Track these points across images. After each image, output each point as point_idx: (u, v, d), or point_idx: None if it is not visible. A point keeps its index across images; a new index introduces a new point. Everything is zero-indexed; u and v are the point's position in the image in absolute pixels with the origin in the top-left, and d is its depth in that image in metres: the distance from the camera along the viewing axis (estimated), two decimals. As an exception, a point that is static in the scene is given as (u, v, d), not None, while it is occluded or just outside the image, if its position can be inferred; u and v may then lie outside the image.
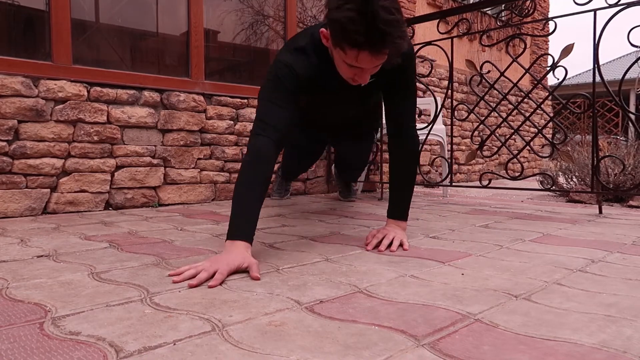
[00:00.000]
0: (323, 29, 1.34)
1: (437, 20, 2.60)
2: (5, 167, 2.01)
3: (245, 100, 2.82)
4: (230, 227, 1.23)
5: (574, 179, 3.32)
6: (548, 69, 2.24)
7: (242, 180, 1.30)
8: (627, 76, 2.16)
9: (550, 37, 7.54)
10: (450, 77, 2.61)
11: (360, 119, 2.10)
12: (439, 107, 2.80)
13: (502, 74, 2.45)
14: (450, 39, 2.61)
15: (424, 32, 4.17)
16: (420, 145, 1.78)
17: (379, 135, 2.97)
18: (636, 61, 1.98)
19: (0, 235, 1.61)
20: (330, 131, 2.22)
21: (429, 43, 2.66)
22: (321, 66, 1.46)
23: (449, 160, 2.74)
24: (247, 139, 2.56)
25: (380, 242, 1.44)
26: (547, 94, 5.86)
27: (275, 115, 1.38)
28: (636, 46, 1.94)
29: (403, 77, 1.56)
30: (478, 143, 2.61)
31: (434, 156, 4.29)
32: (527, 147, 2.48)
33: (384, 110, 1.69)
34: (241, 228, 1.21)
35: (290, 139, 2.04)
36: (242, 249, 1.17)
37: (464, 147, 4.84)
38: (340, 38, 1.21)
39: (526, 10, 4.59)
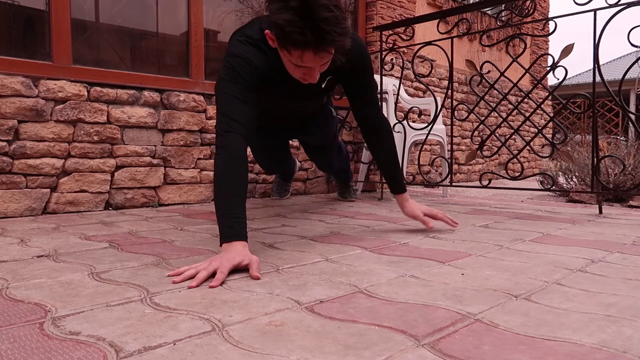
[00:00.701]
0: (268, 31, 1.33)
1: (437, 20, 2.60)
2: (5, 167, 2.01)
3: (245, 100, 2.82)
4: (223, 230, 1.22)
5: (574, 179, 3.32)
6: (548, 69, 2.24)
7: (221, 181, 1.30)
8: (627, 76, 2.16)
9: (550, 37, 7.54)
10: (450, 77, 2.61)
11: (317, 111, 2.11)
12: (439, 107, 2.80)
13: (502, 74, 2.45)
14: (450, 39, 2.61)
15: (424, 32, 4.17)
16: (420, 145, 1.80)
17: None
18: (636, 61, 1.98)
19: (0, 235, 1.61)
20: (289, 126, 2.20)
21: (429, 43, 2.66)
22: (275, 62, 1.44)
23: (449, 160, 2.74)
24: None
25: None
26: (547, 94, 5.86)
27: (240, 110, 1.38)
28: (636, 46, 1.94)
29: (361, 77, 1.63)
30: (478, 143, 2.62)
31: (434, 156, 4.29)
32: (527, 147, 2.48)
33: (349, 104, 1.76)
34: (235, 228, 1.21)
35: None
36: (240, 247, 1.17)
37: (464, 147, 4.84)
38: (283, 40, 1.24)
39: (526, 10, 4.58)
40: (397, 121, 2.79)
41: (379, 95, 2.86)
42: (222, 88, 1.42)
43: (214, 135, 2.69)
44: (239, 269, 1.12)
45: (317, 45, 1.21)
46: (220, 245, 1.21)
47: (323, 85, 1.61)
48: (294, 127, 2.22)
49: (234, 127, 1.34)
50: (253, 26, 1.51)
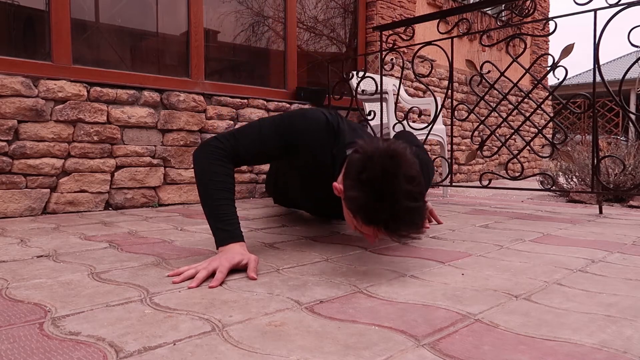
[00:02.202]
0: (336, 184, 1.19)
1: (437, 20, 2.60)
2: (5, 167, 2.01)
3: (245, 100, 2.82)
4: (218, 233, 1.20)
5: (574, 179, 3.32)
6: (548, 69, 2.23)
7: (207, 182, 1.23)
8: (627, 76, 2.16)
9: (550, 37, 7.53)
10: (450, 77, 2.61)
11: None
12: (439, 107, 2.80)
13: (502, 74, 2.45)
14: (450, 39, 2.61)
15: (424, 32, 4.17)
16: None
17: (379, 135, 2.97)
18: (636, 61, 1.98)
19: (0, 236, 1.61)
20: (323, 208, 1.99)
21: (429, 43, 2.65)
22: (327, 173, 1.36)
23: (449, 160, 2.74)
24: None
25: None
26: (547, 94, 5.86)
27: (252, 154, 1.33)
28: (636, 46, 1.94)
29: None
30: (478, 143, 2.61)
31: (434, 156, 4.29)
32: (527, 147, 2.48)
33: None
34: (230, 230, 1.20)
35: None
36: (238, 247, 1.17)
37: (464, 147, 4.84)
38: (355, 212, 1.10)
39: (526, 10, 4.58)
40: (397, 121, 2.79)
41: (378, 96, 2.86)
42: (264, 126, 1.35)
43: (214, 135, 2.70)
44: (239, 269, 1.12)
45: (392, 230, 1.09)
46: (217, 249, 1.20)
47: None
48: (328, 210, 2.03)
49: (232, 153, 1.28)
50: (343, 131, 1.37)
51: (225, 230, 1.20)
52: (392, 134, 2.65)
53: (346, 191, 1.12)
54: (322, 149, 1.37)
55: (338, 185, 1.19)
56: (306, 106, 3.14)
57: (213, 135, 2.62)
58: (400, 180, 1.03)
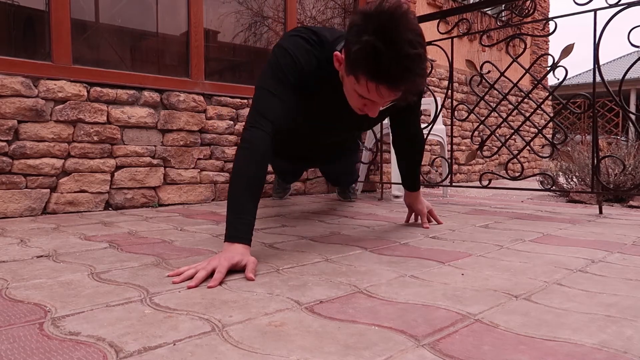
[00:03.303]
0: (337, 52, 1.24)
1: (437, 20, 2.60)
2: (5, 167, 2.01)
3: (245, 101, 2.82)
4: (229, 228, 1.20)
5: (574, 179, 3.32)
6: (548, 69, 2.23)
7: (237, 178, 1.24)
8: (628, 76, 2.16)
9: (550, 37, 7.53)
10: (450, 77, 2.61)
11: (346, 141, 2.01)
12: (439, 107, 2.80)
13: (502, 74, 2.45)
14: (450, 39, 2.61)
15: (424, 32, 4.17)
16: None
17: (379, 135, 2.97)
18: (636, 61, 1.98)
19: (0, 236, 1.61)
20: (312, 156, 2.07)
21: (429, 43, 2.63)
22: (326, 77, 1.37)
23: (449, 160, 2.74)
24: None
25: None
26: (547, 94, 5.86)
27: (275, 109, 1.30)
28: (636, 46, 1.94)
29: (411, 105, 1.52)
30: (478, 143, 2.61)
31: (434, 156, 4.29)
32: (527, 147, 2.48)
33: (389, 119, 1.70)
34: (239, 230, 1.19)
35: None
36: (241, 248, 1.17)
37: (464, 147, 4.84)
38: (358, 66, 1.13)
39: (526, 10, 4.58)
40: (397, 121, 2.79)
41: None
42: (260, 81, 1.35)
43: (214, 135, 2.72)
44: (238, 270, 1.12)
45: (395, 81, 1.11)
46: (224, 242, 1.20)
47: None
48: (317, 157, 2.10)
49: (264, 125, 1.27)
50: (320, 30, 1.39)
51: (236, 228, 1.19)
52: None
53: (349, 47, 1.14)
54: (316, 61, 1.36)
55: (339, 53, 1.23)
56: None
57: (215, 134, 2.65)
58: (402, 29, 1.08)
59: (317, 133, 1.77)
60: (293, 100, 1.35)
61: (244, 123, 2.77)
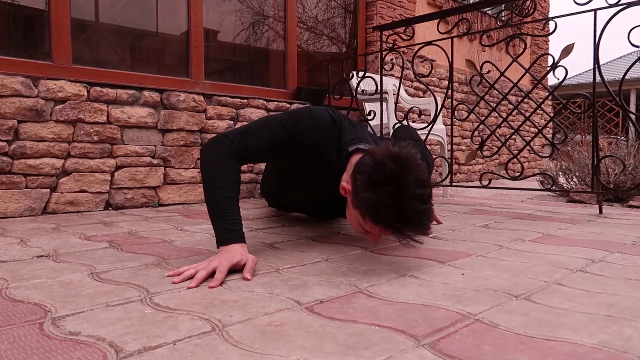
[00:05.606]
0: (344, 184, 1.25)
1: (437, 20, 2.60)
2: (5, 167, 2.01)
3: (246, 100, 2.82)
4: (220, 231, 1.20)
5: (574, 179, 3.32)
6: (548, 69, 2.23)
7: (213, 180, 1.25)
8: (628, 76, 2.16)
9: (550, 37, 7.53)
10: (450, 77, 2.61)
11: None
12: (439, 107, 2.80)
13: (502, 74, 2.45)
14: (450, 39, 2.61)
15: (424, 32, 4.17)
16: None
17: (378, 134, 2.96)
18: (636, 61, 1.98)
19: (0, 236, 1.61)
20: (323, 209, 1.99)
21: (429, 43, 2.65)
22: (332, 170, 1.39)
23: (449, 160, 2.74)
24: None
25: None
26: (547, 94, 5.86)
27: (262, 153, 1.37)
28: (636, 46, 1.94)
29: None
30: (478, 143, 2.61)
31: (434, 156, 4.29)
32: (527, 147, 2.48)
33: None
34: (231, 230, 1.20)
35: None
36: (238, 248, 1.17)
37: (464, 147, 4.84)
38: (365, 212, 1.14)
39: (526, 10, 4.58)
40: (397, 121, 2.79)
41: (378, 96, 2.86)
42: (272, 124, 1.38)
43: (214, 135, 2.70)
44: (238, 270, 1.12)
45: (399, 230, 1.13)
46: (218, 248, 1.20)
47: None
48: (328, 210, 2.00)
49: (241, 150, 1.30)
50: (343, 122, 1.42)
51: (228, 229, 1.20)
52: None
53: (356, 192, 1.16)
54: (328, 146, 1.41)
55: (346, 185, 1.24)
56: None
57: (215, 134, 2.65)
58: (411, 184, 1.09)
59: (314, 191, 1.74)
60: (275, 156, 1.43)
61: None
